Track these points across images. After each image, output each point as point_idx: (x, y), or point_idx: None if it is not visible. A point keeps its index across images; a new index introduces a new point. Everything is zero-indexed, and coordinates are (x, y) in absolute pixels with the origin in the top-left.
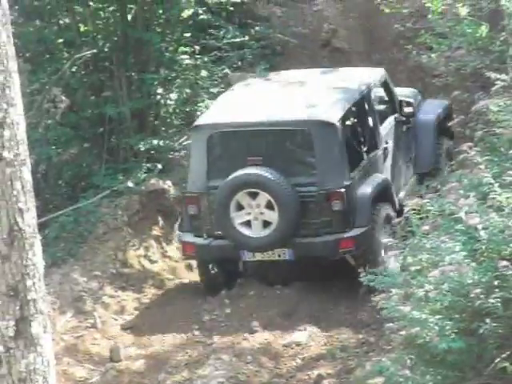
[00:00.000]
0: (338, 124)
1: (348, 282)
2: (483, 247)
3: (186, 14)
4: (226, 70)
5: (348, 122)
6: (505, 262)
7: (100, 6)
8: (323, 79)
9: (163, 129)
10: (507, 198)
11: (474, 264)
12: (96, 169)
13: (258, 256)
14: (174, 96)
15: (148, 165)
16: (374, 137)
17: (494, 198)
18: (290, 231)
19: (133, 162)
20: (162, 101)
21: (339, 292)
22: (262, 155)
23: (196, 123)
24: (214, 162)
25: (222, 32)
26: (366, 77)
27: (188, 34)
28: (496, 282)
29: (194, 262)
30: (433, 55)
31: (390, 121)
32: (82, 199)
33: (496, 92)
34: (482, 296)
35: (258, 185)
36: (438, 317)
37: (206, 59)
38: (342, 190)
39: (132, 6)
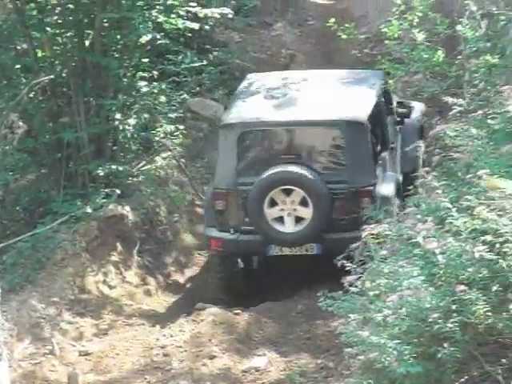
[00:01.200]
0: (367, 123)
1: (306, 307)
2: (441, 272)
3: (144, 39)
4: (185, 96)
5: (372, 122)
6: (462, 287)
7: (57, 31)
8: (340, 79)
9: (121, 154)
10: (464, 222)
11: (432, 288)
12: (54, 194)
13: (286, 251)
14: (132, 121)
15: (106, 190)
16: (385, 137)
17: (451, 223)
18: (322, 227)
19: (91, 187)
20: (121, 126)
21: (298, 316)
22: (295, 153)
23: (226, 121)
24: (243, 159)
25: (180, 57)
26: (377, 77)
27: (146, 60)
28: (454, 307)
29: (152, 288)
30: (390, 81)
31: (390, 121)
32: (40, 225)
33: (453, 117)
34: (440, 320)
35: (294, 182)
36: (396, 341)
37: (164, 85)
38: (371, 187)
39: (90, 31)
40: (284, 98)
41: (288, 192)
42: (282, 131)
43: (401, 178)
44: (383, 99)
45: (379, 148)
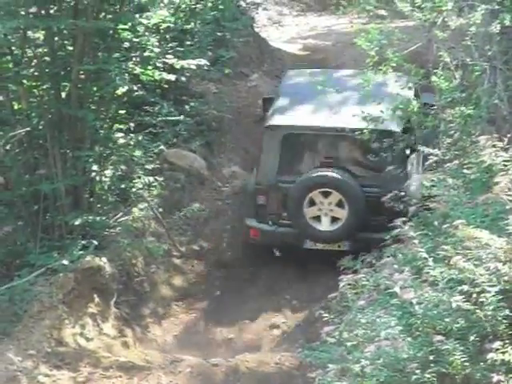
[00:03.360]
0: (400, 133)
1: (285, 357)
2: (418, 322)
3: (121, 91)
4: (162, 147)
5: (405, 130)
6: (440, 337)
7: (34, 83)
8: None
9: (98, 205)
10: (441, 272)
11: (409, 339)
12: (31, 247)
13: (320, 245)
14: (109, 173)
15: (83, 242)
16: (414, 143)
17: (428, 273)
18: (356, 227)
19: (68, 239)
20: (97, 177)
21: (276, 367)
22: (334, 157)
23: (271, 123)
24: (285, 159)
25: (156, 108)
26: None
27: (123, 111)
28: (431, 357)
29: (129, 339)
30: (365, 131)
31: None
32: (17, 278)
33: (429, 167)
34: (417, 371)
35: (331, 185)
36: None
37: (140, 137)
38: (403, 192)
39: (66, 83)
40: (327, 102)
41: (326, 194)
42: (324, 136)
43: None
44: None
45: (408, 152)
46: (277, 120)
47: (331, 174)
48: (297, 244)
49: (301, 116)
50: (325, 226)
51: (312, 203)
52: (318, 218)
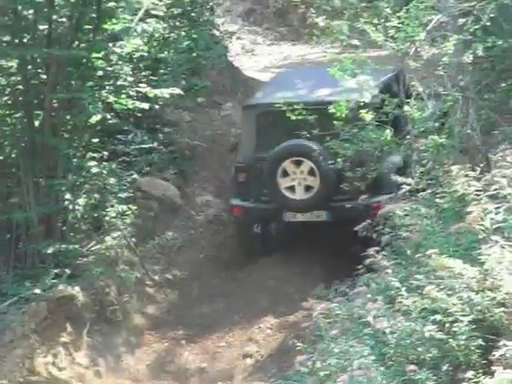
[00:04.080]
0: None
1: None
2: (391, 351)
3: (94, 119)
4: (135, 176)
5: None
6: (413, 366)
7: (7, 112)
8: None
9: (71, 234)
10: (414, 301)
11: (382, 368)
12: (3, 275)
13: (299, 217)
14: (82, 201)
15: (56, 270)
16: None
17: (401, 302)
18: (328, 194)
19: (40, 267)
20: (70, 206)
21: None
22: (306, 130)
23: (247, 103)
24: (261, 136)
25: (130, 137)
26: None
27: (96, 140)
28: None
29: (102, 369)
30: (339, 160)
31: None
32: None
33: (402, 196)
34: None
35: (301, 153)
36: None
37: (113, 166)
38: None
39: (39, 112)
40: (302, 87)
41: (298, 163)
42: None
43: None
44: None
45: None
46: (251, 101)
47: (300, 142)
48: (277, 218)
49: (274, 95)
50: (299, 194)
51: (285, 174)
52: (292, 188)
